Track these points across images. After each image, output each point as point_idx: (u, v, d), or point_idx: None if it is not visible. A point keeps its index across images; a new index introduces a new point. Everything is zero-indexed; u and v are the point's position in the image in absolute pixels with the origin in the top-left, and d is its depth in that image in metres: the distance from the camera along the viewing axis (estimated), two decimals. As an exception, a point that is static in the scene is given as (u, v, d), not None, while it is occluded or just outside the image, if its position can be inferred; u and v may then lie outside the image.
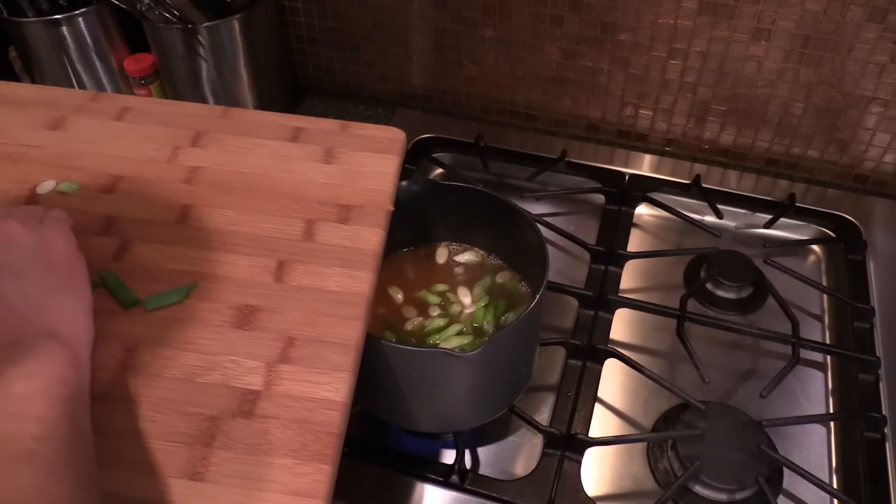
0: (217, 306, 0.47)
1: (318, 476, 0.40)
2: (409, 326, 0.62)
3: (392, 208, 0.55)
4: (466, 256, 0.68)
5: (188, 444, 0.41)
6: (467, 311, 0.64)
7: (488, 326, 0.62)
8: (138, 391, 0.43)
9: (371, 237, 0.52)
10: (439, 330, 0.62)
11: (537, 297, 0.54)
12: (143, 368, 0.44)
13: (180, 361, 0.44)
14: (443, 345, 0.60)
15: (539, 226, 0.77)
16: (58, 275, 0.43)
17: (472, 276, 0.67)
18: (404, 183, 0.62)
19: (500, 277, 0.66)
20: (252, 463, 0.40)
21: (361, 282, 0.49)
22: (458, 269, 0.67)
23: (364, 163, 0.58)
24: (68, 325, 0.41)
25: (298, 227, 0.53)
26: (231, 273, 0.49)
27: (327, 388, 0.43)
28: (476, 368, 0.53)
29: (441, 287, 0.65)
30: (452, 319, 0.63)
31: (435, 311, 0.64)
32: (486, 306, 0.63)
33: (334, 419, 0.42)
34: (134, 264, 0.49)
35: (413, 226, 0.66)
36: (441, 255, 0.68)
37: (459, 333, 0.61)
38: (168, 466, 0.40)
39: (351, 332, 0.46)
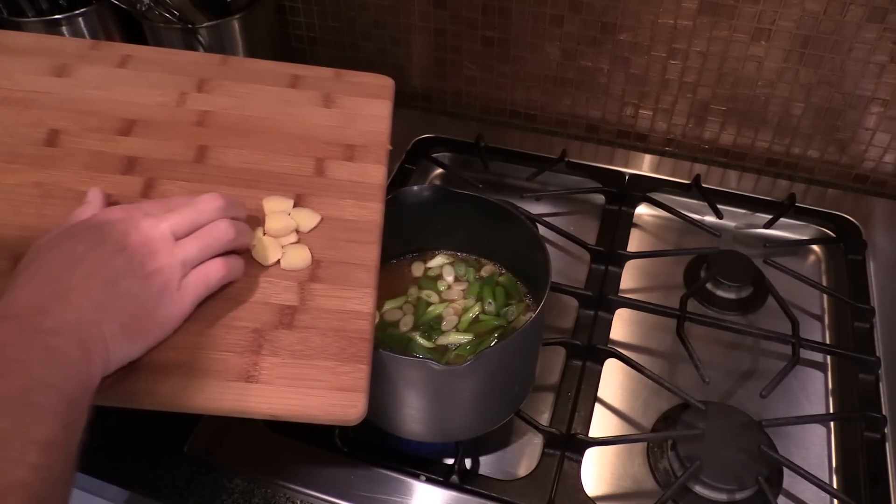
0: None
1: (358, 374, 0.45)
2: (402, 328, 0.62)
3: (390, 147, 0.59)
4: (441, 260, 0.68)
5: (239, 353, 0.45)
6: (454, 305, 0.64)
7: (487, 318, 0.62)
8: None
9: (376, 173, 0.57)
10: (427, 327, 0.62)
11: (537, 311, 0.54)
12: None
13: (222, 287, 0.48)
14: (441, 340, 0.61)
15: (539, 226, 0.78)
16: (153, 313, 0.42)
17: (462, 282, 0.67)
18: (415, 188, 0.62)
19: (485, 271, 0.67)
20: (298, 366, 0.45)
21: (373, 211, 0.54)
22: (447, 277, 0.67)
23: (360, 106, 0.63)
24: (120, 355, 0.41)
25: (309, 164, 0.57)
26: (253, 206, 0.53)
27: (355, 301, 0.48)
28: (467, 381, 0.53)
29: (425, 292, 0.65)
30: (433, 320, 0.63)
31: (410, 310, 0.64)
32: (479, 301, 0.63)
33: (364, 327, 0.47)
34: None
35: (413, 233, 0.66)
36: (436, 262, 0.68)
37: (458, 331, 0.61)
38: (224, 372, 0.44)
39: (369, 254, 0.51)
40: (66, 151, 0.54)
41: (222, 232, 0.46)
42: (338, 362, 0.45)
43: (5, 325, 0.37)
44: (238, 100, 0.61)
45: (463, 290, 0.65)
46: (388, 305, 0.64)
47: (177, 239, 0.44)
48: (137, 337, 0.42)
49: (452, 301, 0.64)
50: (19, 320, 0.37)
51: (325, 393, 0.44)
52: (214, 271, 0.45)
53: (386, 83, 0.66)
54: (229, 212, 0.48)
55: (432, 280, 0.66)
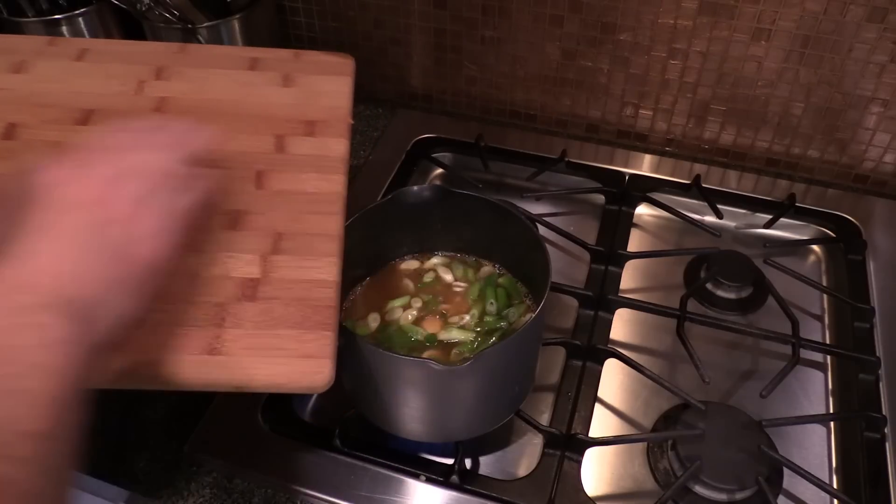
0: (208, 213, 0.50)
1: (323, 341, 0.45)
2: (402, 321, 0.62)
3: (352, 121, 0.60)
4: (440, 260, 0.68)
5: (202, 327, 0.45)
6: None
7: (489, 319, 0.62)
8: None
9: (337, 146, 0.57)
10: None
11: (537, 311, 0.54)
12: None
13: (181, 261, 0.47)
14: (442, 335, 0.61)
15: (539, 226, 0.78)
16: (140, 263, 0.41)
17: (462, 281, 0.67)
18: (415, 188, 0.62)
19: (484, 272, 0.67)
20: (262, 336, 0.45)
21: (335, 183, 0.54)
22: (445, 277, 0.67)
23: (320, 84, 0.63)
24: (116, 315, 0.39)
25: (270, 141, 0.57)
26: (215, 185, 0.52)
27: (319, 270, 0.49)
28: (467, 381, 0.53)
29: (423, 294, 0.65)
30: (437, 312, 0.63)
31: (417, 303, 0.64)
32: (480, 301, 0.63)
33: (329, 294, 0.47)
34: None
35: (413, 233, 0.66)
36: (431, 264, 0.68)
37: (459, 328, 0.61)
38: (188, 347, 0.44)
39: (332, 224, 0.52)
40: (24, 143, 0.54)
41: (155, 163, 0.44)
42: (302, 330, 0.45)
43: None
44: (196, 84, 0.61)
45: (464, 291, 0.65)
46: (388, 305, 0.64)
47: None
48: (123, 287, 0.40)
49: (453, 301, 0.64)
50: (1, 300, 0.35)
51: (291, 361, 0.44)
52: (173, 199, 0.44)
53: (345, 61, 0.66)
54: (160, 146, 0.45)
55: (433, 280, 0.66)
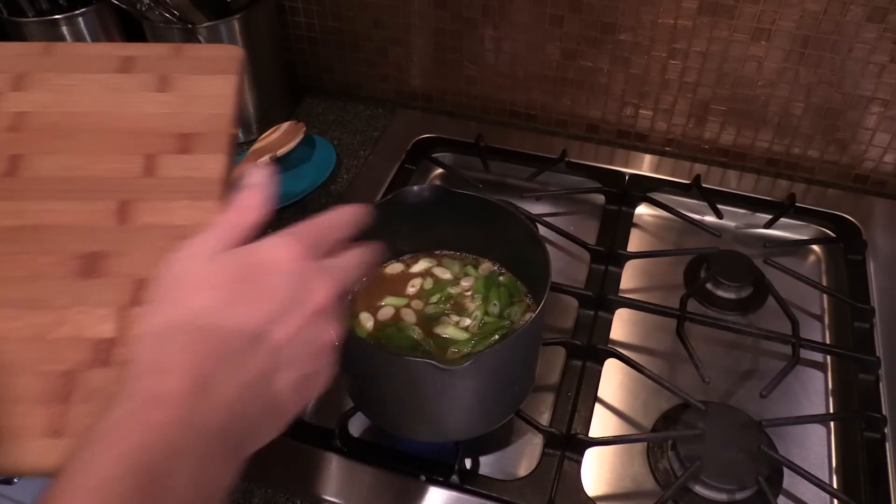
0: (59, 258, 0.45)
1: None
2: (401, 327, 0.62)
3: (234, 132, 0.53)
4: (437, 261, 0.68)
5: (45, 403, 0.39)
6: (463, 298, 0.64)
7: (491, 320, 0.62)
8: None
9: (214, 164, 0.50)
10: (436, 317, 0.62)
11: (537, 311, 0.54)
12: None
13: (28, 321, 0.42)
14: (438, 331, 0.61)
15: (539, 226, 0.78)
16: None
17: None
18: (415, 188, 0.62)
19: (483, 270, 0.67)
20: None
21: (208, 212, 0.47)
22: (444, 276, 0.67)
23: (201, 86, 0.55)
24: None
25: (138, 163, 0.50)
26: (71, 221, 0.47)
27: None
28: (467, 381, 0.53)
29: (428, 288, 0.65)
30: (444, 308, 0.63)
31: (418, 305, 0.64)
32: (484, 300, 0.63)
33: None
34: None
35: (416, 232, 0.66)
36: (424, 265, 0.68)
37: (458, 327, 0.62)
38: (27, 429, 0.38)
39: None
40: None
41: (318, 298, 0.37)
42: None
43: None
44: (60, 95, 0.53)
45: (465, 290, 0.65)
46: (386, 304, 0.64)
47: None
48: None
49: (455, 301, 0.64)
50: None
51: None
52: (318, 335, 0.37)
53: (232, 54, 0.57)
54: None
55: (433, 280, 0.66)
